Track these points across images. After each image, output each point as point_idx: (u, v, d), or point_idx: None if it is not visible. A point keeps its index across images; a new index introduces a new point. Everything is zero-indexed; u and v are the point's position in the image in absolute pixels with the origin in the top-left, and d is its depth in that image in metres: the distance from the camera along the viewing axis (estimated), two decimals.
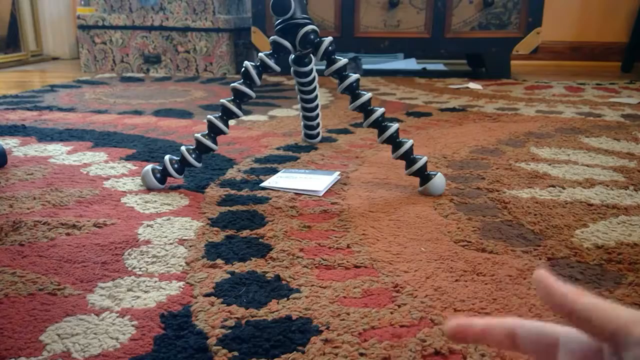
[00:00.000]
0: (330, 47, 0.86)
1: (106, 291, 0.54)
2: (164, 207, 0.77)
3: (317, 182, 0.87)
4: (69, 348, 0.45)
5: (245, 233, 0.68)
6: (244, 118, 1.37)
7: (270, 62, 0.84)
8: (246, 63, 0.83)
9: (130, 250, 0.63)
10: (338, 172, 0.92)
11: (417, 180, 0.86)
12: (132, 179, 0.89)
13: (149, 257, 0.61)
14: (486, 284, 0.56)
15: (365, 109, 0.85)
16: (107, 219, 0.72)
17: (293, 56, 0.98)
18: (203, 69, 2.21)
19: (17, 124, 1.26)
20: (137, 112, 1.42)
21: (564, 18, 2.73)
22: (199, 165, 0.84)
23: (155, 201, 0.79)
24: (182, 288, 0.55)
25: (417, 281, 0.56)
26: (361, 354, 0.45)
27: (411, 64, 2.62)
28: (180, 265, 0.60)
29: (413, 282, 0.56)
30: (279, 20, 0.87)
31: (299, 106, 1.09)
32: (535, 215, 0.75)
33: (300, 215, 0.75)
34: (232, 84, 0.84)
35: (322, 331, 0.48)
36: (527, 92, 1.81)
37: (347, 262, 0.60)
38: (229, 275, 0.57)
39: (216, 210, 0.76)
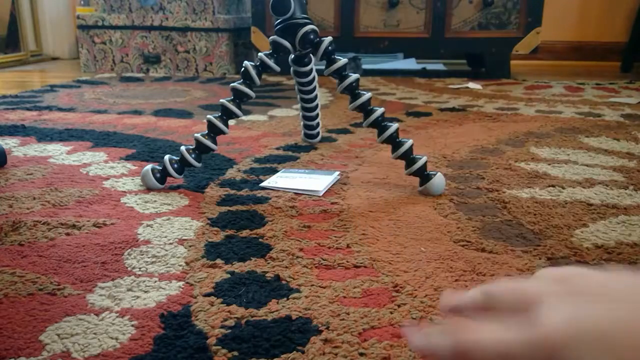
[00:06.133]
0: (329, 47, 0.86)
1: (106, 291, 0.54)
2: (163, 207, 0.77)
3: (317, 182, 0.87)
4: (68, 348, 0.45)
5: (245, 233, 0.68)
6: (244, 118, 1.37)
7: (270, 62, 0.84)
8: (246, 63, 0.83)
9: (130, 250, 0.63)
10: (338, 172, 0.92)
11: (417, 180, 0.86)
12: (132, 179, 0.89)
13: (148, 257, 0.61)
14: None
15: (365, 109, 0.85)
16: (106, 219, 0.72)
17: (293, 56, 0.98)
18: (203, 69, 2.21)
19: (17, 124, 1.26)
20: (137, 112, 1.42)
21: (564, 18, 2.73)
22: (198, 165, 0.84)
23: (155, 201, 0.79)
24: (182, 288, 0.55)
25: (416, 281, 0.56)
26: (361, 354, 0.45)
27: (411, 63, 2.62)
28: (180, 265, 0.60)
29: (413, 282, 0.56)
30: (279, 20, 0.87)
31: (298, 106, 1.09)
32: (535, 215, 0.75)
33: (300, 215, 0.75)
34: (232, 84, 0.84)
35: (322, 331, 0.48)
36: (527, 92, 1.81)
37: (347, 262, 0.60)
38: (228, 275, 0.57)
39: (216, 210, 0.76)
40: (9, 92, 1.73)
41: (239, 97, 0.84)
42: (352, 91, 0.85)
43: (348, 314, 0.50)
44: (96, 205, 0.77)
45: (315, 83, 1.04)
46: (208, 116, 0.84)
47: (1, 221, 0.70)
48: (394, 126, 0.83)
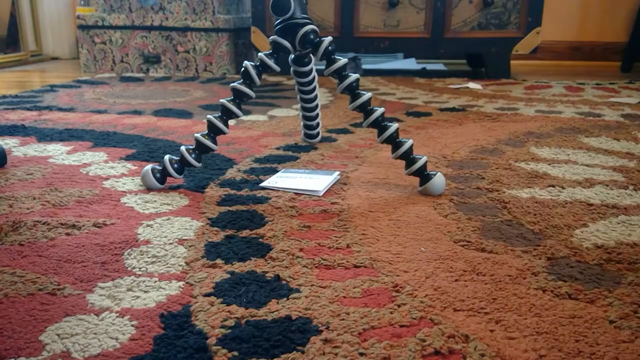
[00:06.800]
0: (329, 47, 0.86)
1: (106, 291, 0.54)
2: (163, 207, 0.77)
3: (317, 182, 0.87)
4: (68, 348, 0.45)
5: (245, 233, 0.68)
6: (244, 118, 1.37)
7: (270, 62, 0.84)
8: (246, 63, 0.83)
9: (130, 250, 0.63)
10: (338, 172, 0.92)
11: (417, 180, 0.86)
12: (132, 179, 0.89)
13: (148, 257, 0.61)
14: (486, 283, 0.56)
15: (365, 109, 0.85)
16: (106, 219, 0.72)
17: (293, 56, 0.98)
18: (203, 69, 2.21)
19: (17, 124, 1.26)
20: (137, 112, 1.42)
21: (564, 18, 2.73)
22: (198, 165, 0.84)
23: (155, 201, 0.79)
24: (182, 288, 0.55)
25: (416, 281, 0.56)
26: (361, 354, 0.45)
27: (411, 64, 2.62)
28: (180, 265, 0.60)
29: (413, 282, 0.56)
30: (279, 20, 0.87)
31: (298, 106, 1.09)
32: (535, 215, 0.75)
33: (300, 215, 0.75)
34: (232, 84, 0.84)
35: (321, 331, 0.48)
36: (527, 92, 1.81)
37: (347, 262, 0.60)
38: (228, 275, 0.57)
39: (216, 210, 0.76)
40: (9, 92, 1.74)
41: (239, 97, 0.84)
42: (352, 91, 0.85)
43: (348, 314, 0.50)
44: (96, 205, 0.77)
45: (315, 83, 1.04)
46: (208, 116, 0.84)
47: (1, 221, 0.70)
48: (394, 126, 0.83)
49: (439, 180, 0.82)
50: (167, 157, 0.84)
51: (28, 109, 1.44)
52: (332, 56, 0.86)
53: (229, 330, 0.48)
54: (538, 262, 0.61)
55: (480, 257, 0.62)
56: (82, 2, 2.47)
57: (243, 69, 0.84)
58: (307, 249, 0.64)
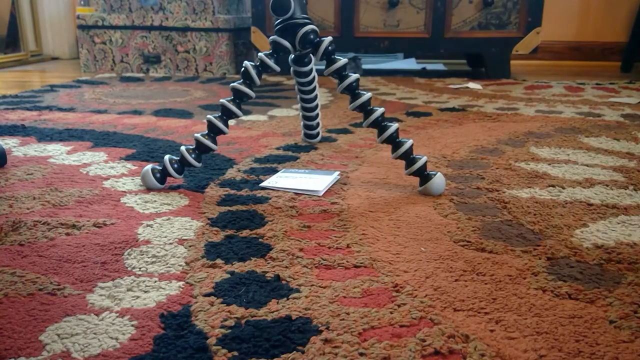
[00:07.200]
0: (329, 47, 0.86)
1: (106, 291, 0.54)
2: (163, 207, 0.77)
3: (317, 182, 0.87)
4: (68, 348, 0.45)
5: (245, 233, 0.68)
6: (244, 118, 1.37)
7: (270, 62, 0.85)
8: (246, 63, 0.83)
9: (130, 250, 0.63)
10: (338, 172, 0.92)
11: (417, 180, 0.86)
12: (132, 179, 0.89)
13: (148, 257, 0.61)
14: (486, 283, 0.56)
15: (365, 109, 0.85)
16: (106, 219, 0.72)
17: (293, 56, 0.98)
18: (203, 68, 2.21)
19: (17, 124, 1.26)
20: (137, 112, 1.42)
21: (564, 18, 2.73)
22: (198, 165, 0.84)
23: (155, 201, 0.79)
24: (182, 288, 0.55)
25: (416, 281, 0.56)
26: (361, 354, 0.45)
27: (411, 63, 2.62)
28: (180, 265, 0.60)
29: (413, 282, 0.56)
30: (279, 20, 0.87)
31: (298, 106, 1.09)
32: (535, 215, 0.75)
33: (300, 215, 0.75)
34: (232, 84, 0.84)
35: (321, 331, 0.48)
36: (527, 92, 1.81)
37: (347, 262, 0.60)
38: (228, 275, 0.57)
39: (216, 210, 0.76)
40: (9, 92, 1.73)
41: (239, 97, 0.84)
42: (352, 91, 0.85)
43: (348, 314, 0.50)
44: (96, 205, 0.77)
45: (315, 83, 1.04)
46: (208, 116, 0.84)
47: (1, 221, 0.70)
48: (394, 126, 0.83)
49: (439, 180, 0.82)
50: (167, 157, 0.84)
51: (28, 109, 1.44)
52: (332, 56, 0.86)
53: (229, 330, 0.48)
54: (538, 262, 0.61)
55: (480, 257, 0.62)
56: (82, 2, 2.47)
57: (243, 69, 0.84)
58: (307, 249, 0.64)
